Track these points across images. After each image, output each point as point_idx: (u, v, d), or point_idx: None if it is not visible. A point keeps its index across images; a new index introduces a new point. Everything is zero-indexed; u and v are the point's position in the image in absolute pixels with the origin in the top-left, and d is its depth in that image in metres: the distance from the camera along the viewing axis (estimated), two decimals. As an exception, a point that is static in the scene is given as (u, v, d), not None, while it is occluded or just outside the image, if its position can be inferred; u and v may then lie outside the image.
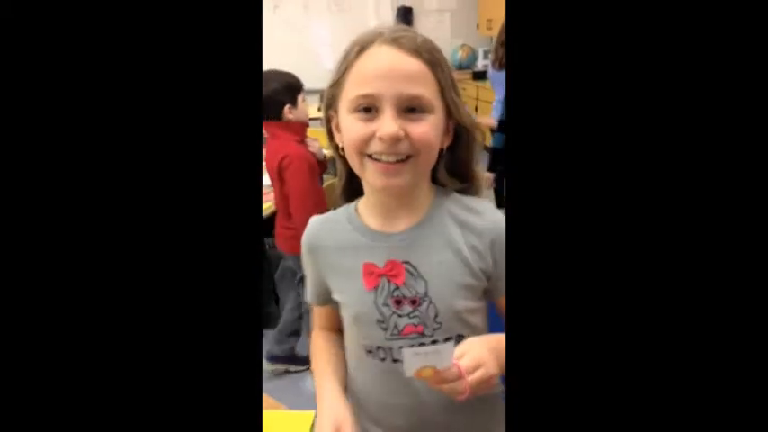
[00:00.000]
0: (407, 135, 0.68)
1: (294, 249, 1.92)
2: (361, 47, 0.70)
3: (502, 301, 0.79)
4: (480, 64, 5.38)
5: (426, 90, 0.69)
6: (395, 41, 0.69)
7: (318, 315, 0.92)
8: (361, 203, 0.82)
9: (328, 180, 2.35)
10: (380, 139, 0.67)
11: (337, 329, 0.91)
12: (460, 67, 5.29)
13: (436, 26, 5.43)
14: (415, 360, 0.64)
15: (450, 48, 5.30)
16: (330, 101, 0.75)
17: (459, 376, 0.64)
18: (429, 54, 0.69)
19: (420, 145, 0.69)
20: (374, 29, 0.72)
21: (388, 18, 5.30)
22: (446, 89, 0.71)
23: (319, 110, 3.32)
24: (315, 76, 2.16)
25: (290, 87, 1.90)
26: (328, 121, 0.77)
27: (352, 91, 0.69)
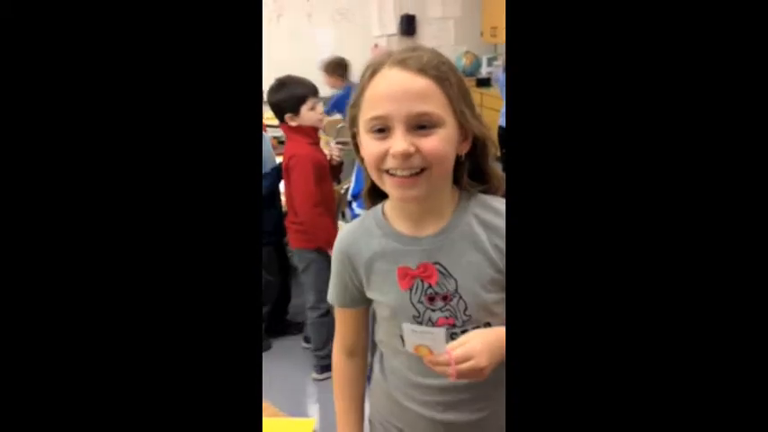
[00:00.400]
0: (419, 150, 0.73)
1: (299, 243, 2.14)
2: (373, 70, 0.77)
3: None
4: (484, 71, 5.39)
5: (434, 106, 0.74)
6: (402, 62, 0.74)
7: (341, 321, 0.97)
8: (388, 208, 0.88)
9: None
10: (393, 156, 0.73)
11: (359, 344, 0.98)
12: (464, 75, 5.29)
13: (439, 34, 5.45)
14: (412, 336, 0.77)
15: (453, 55, 5.31)
16: (352, 120, 0.82)
17: (449, 363, 0.73)
18: (436, 70, 0.74)
19: (431, 158, 0.74)
20: (386, 51, 0.79)
21: (391, 26, 5.32)
22: (455, 101, 0.76)
23: (322, 117, 3.32)
24: (319, 84, 2.23)
25: (294, 98, 2.09)
26: (353, 137, 0.84)
27: (366, 113, 0.76)
